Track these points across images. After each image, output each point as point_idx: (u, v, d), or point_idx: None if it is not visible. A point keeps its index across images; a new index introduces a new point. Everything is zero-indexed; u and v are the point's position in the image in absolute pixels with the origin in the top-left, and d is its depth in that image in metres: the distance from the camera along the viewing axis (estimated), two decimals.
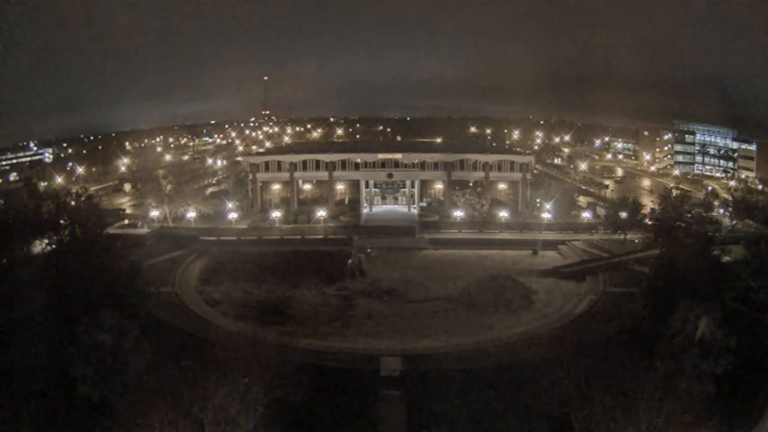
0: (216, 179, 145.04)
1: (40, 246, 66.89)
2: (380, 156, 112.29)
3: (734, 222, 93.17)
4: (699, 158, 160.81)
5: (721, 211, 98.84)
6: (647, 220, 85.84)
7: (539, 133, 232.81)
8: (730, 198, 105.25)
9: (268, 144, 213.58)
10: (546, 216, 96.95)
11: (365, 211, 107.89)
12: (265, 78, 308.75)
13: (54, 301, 49.36)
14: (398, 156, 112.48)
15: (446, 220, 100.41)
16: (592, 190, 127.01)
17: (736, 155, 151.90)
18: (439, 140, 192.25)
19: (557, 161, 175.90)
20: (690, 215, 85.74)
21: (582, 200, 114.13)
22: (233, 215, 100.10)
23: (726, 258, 65.44)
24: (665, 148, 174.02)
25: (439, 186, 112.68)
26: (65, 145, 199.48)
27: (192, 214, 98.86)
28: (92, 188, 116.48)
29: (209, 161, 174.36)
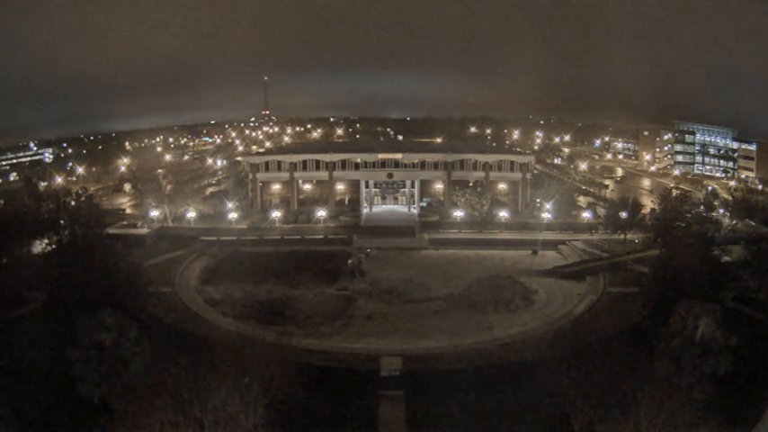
0: (216, 179, 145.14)
1: (40, 246, 66.96)
2: (380, 156, 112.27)
3: (734, 222, 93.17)
4: (699, 158, 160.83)
5: (721, 211, 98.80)
6: (647, 220, 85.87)
7: (539, 133, 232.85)
8: (730, 198, 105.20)
9: (268, 144, 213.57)
10: (546, 216, 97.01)
11: (365, 211, 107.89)
12: (265, 78, 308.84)
13: (54, 301, 49.43)
14: (398, 156, 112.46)
15: (446, 220, 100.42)
16: (592, 190, 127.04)
17: (736, 155, 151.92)
18: (439, 140, 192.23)
19: (557, 161, 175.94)
20: (690, 215, 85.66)
21: (582, 200, 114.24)
22: (233, 215, 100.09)
23: (726, 258, 65.47)
24: (665, 148, 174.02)
25: (439, 186, 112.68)
26: (65, 145, 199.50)
27: (191, 214, 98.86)
28: (92, 188, 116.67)
29: (209, 161, 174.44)
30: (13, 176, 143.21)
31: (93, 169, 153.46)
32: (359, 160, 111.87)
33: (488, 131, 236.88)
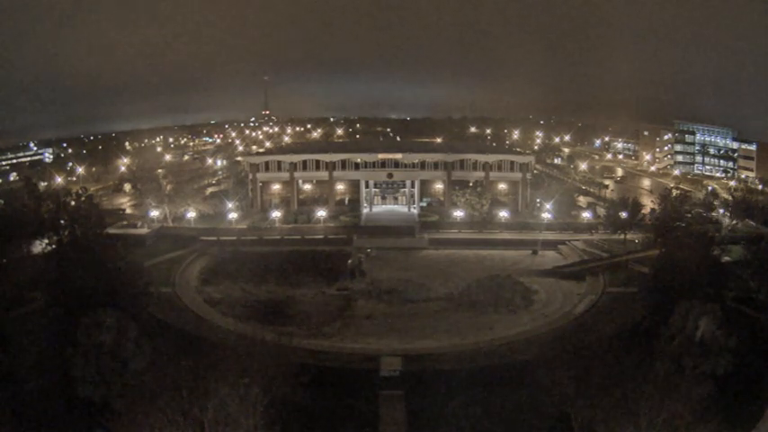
0: (216, 179, 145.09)
1: (40, 246, 66.98)
2: (380, 156, 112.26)
3: (734, 222, 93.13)
4: (699, 158, 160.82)
5: (721, 211, 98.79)
6: (647, 220, 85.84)
7: (539, 133, 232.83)
8: (730, 198, 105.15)
9: (268, 144, 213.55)
10: (546, 216, 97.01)
11: (365, 211, 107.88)
12: (266, 78, 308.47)
13: (54, 301, 49.44)
14: (398, 156, 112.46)
15: (446, 220, 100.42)
16: (592, 190, 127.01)
17: (736, 155, 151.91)
18: (439, 140, 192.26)
19: (557, 161, 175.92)
20: (690, 215, 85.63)
21: (582, 200, 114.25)
22: (233, 215, 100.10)
23: (726, 258, 65.44)
24: (665, 148, 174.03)
25: (439, 186, 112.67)
26: (65, 145, 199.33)
27: (191, 214, 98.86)
28: (92, 188, 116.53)
29: (209, 161, 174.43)
30: (13, 176, 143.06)
31: (93, 169, 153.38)
32: (359, 160, 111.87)
33: (488, 131, 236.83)
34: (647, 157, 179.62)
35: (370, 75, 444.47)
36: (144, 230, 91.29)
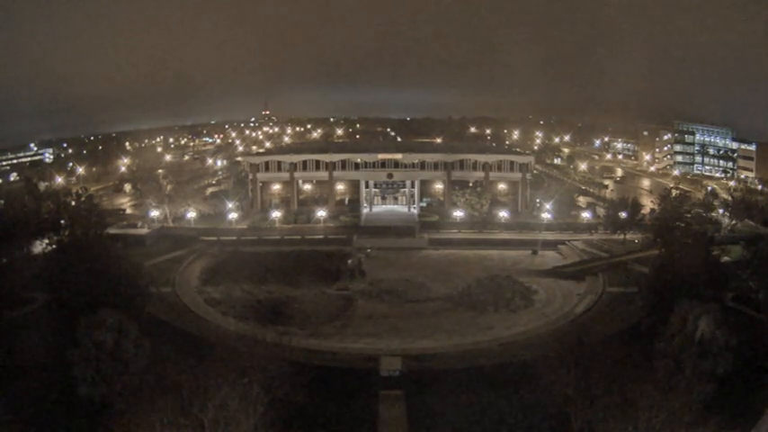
0: (216, 179, 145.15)
1: (40, 246, 67.01)
2: (380, 156, 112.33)
3: (734, 222, 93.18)
4: (698, 158, 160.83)
5: (721, 211, 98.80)
6: (646, 220, 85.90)
7: (539, 133, 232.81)
8: (730, 198, 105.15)
9: (268, 144, 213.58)
10: (546, 216, 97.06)
11: (365, 211, 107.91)
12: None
13: (54, 301, 49.48)
14: (398, 156, 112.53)
15: (446, 220, 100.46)
16: (591, 190, 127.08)
17: (735, 155, 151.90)
18: (439, 140, 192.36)
19: (557, 161, 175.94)
20: (690, 215, 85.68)
21: (582, 200, 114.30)
22: (233, 215, 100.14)
23: (726, 258, 65.44)
24: (665, 148, 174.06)
25: (439, 186, 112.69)
26: (65, 145, 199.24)
27: (192, 214, 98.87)
28: (92, 188, 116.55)
29: (209, 161, 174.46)
30: (13, 176, 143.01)
31: (94, 169, 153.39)
32: (359, 160, 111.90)
33: (488, 131, 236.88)
34: (647, 157, 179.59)
35: (370, 75, 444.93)
36: (144, 230, 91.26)
